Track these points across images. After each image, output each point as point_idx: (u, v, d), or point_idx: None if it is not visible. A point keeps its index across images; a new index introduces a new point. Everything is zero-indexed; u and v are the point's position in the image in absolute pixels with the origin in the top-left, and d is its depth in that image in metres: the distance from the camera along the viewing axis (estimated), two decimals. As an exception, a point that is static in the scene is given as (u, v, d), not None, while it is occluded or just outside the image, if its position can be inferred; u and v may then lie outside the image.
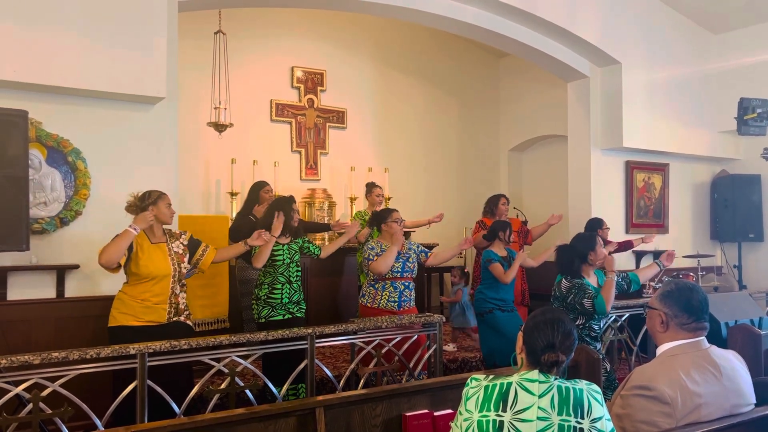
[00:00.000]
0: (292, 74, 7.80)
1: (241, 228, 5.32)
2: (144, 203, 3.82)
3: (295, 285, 4.43)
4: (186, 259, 3.96)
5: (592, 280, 3.90)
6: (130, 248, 3.72)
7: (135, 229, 3.63)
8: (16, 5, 3.95)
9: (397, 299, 4.60)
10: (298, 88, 7.82)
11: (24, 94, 4.08)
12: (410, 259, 4.69)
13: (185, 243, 3.98)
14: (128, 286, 3.81)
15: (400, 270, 4.62)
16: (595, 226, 5.97)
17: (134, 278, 3.79)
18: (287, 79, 7.79)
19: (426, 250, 4.90)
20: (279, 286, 4.37)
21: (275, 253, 4.38)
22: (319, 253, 4.65)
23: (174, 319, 3.88)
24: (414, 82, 8.68)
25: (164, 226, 4.00)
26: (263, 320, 4.38)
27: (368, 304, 4.63)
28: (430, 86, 8.83)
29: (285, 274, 4.39)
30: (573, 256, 3.91)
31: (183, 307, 3.94)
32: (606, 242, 6.07)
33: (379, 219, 4.82)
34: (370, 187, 6.45)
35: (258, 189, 5.86)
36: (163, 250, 3.85)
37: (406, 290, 4.66)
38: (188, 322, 3.99)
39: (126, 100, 4.42)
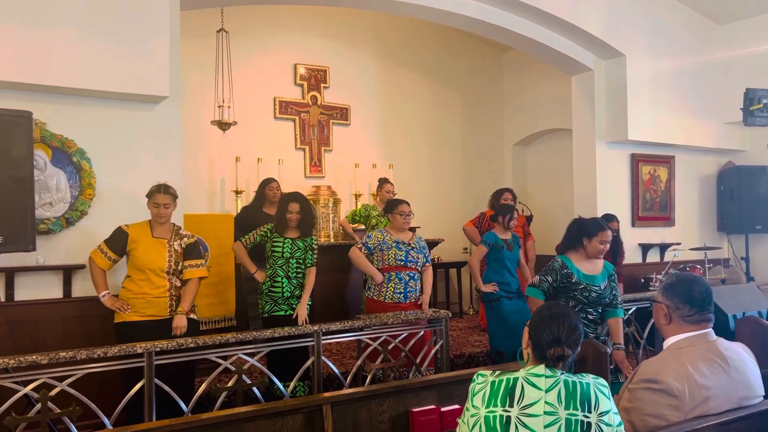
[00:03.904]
0: (296, 71, 7.79)
1: (245, 224, 5.45)
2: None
3: (294, 281, 4.44)
4: (182, 258, 4.00)
5: (587, 266, 3.77)
6: (125, 247, 3.89)
7: (104, 296, 3.87)
8: (19, 6, 3.96)
9: (402, 290, 4.61)
10: (302, 86, 7.81)
11: (28, 95, 4.09)
12: (415, 250, 4.68)
13: (184, 246, 4.01)
14: (128, 281, 3.91)
15: (403, 259, 4.63)
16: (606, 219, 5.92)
17: (132, 271, 3.90)
18: (290, 76, 7.78)
19: (429, 258, 4.85)
20: (279, 279, 4.41)
21: (275, 244, 4.42)
22: (309, 266, 4.51)
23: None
24: (417, 77, 8.66)
25: (175, 225, 4.05)
26: (266, 315, 4.42)
27: (374, 297, 4.64)
28: (433, 82, 8.80)
29: (284, 268, 4.42)
30: (569, 235, 3.87)
31: None
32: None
33: (389, 207, 4.86)
34: (382, 182, 6.50)
35: (263, 186, 5.90)
36: (162, 245, 3.93)
37: (411, 281, 4.66)
38: (193, 315, 4.02)
39: (129, 100, 4.42)
